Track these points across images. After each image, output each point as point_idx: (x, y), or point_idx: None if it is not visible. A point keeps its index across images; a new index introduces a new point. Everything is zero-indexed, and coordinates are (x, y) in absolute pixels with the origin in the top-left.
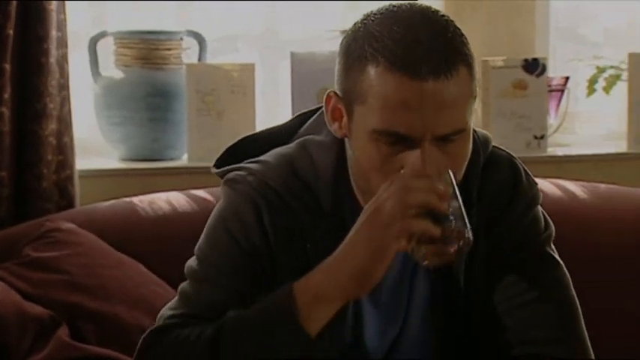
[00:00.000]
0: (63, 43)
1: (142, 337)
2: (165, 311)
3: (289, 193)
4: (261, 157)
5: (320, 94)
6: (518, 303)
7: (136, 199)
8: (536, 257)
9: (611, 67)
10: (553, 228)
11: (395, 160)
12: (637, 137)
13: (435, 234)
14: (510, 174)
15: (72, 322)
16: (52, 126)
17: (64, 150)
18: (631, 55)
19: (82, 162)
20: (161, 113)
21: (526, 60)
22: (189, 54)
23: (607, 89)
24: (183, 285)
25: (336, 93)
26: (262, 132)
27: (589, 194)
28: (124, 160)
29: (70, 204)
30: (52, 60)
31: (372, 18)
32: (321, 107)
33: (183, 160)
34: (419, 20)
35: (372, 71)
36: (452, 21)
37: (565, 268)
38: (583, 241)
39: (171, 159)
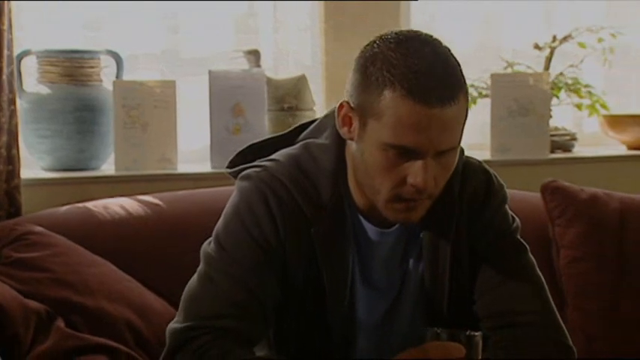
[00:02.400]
0: (11, 61)
1: (172, 333)
2: (191, 304)
3: (295, 185)
4: (272, 156)
5: (234, 108)
6: (498, 282)
7: (89, 205)
8: (510, 245)
9: (471, 85)
10: (518, 220)
11: (400, 168)
12: (498, 147)
13: None
14: (483, 177)
15: (63, 316)
16: (3, 138)
17: (13, 161)
18: (493, 75)
19: None
20: (87, 126)
21: None
22: (106, 71)
23: (469, 105)
24: (203, 271)
25: (348, 103)
26: (267, 139)
27: None
28: (47, 170)
29: (17, 211)
30: (4, 77)
31: (386, 46)
32: (316, 119)
33: (104, 170)
34: (428, 52)
35: (389, 95)
36: (451, 51)
37: (530, 253)
38: None
39: (93, 169)
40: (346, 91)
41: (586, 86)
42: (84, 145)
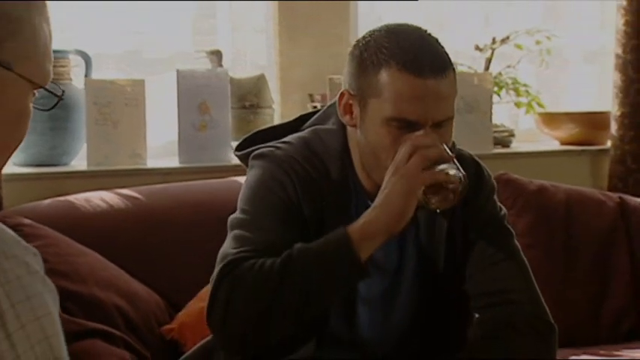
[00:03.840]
0: None
1: (218, 270)
2: (229, 250)
3: (307, 162)
4: (283, 139)
5: (200, 106)
6: (489, 263)
7: (71, 198)
8: (500, 230)
9: None
10: (505, 209)
11: (402, 141)
12: None
13: (452, 179)
14: (474, 168)
15: (59, 303)
16: None
17: None
18: None
19: None
20: (60, 123)
21: None
22: (74, 71)
23: None
24: (235, 232)
25: (348, 91)
26: (271, 127)
27: None
28: (20, 165)
29: None
30: None
31: (378, 35)
32: (319, 109)
33: (75, 165)
34: (417, 36)
35: (385, 73)
36: (438, 40)
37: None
38: None
39: (65, 164)
40: (344, 82)
41: (524, 85)
42: (57, 141)
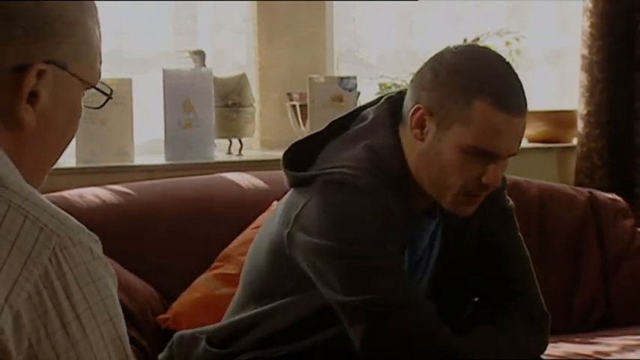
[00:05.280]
0: None
1: (362, 319)
2: (360, 292)
3: (375, 178)
4: (342, 162)
5: (185, 104)
6: (496, 254)
7: (65, 193)
8: (509, 222)
9: (393, 84)
10: (512, 201)
11: (474, 167)
12: None
13: None
14: None
15: None
16: None
17: None
18: None
19: None
20: None
21: (341, 78)
22: None
23: None
24: (343, 269)
25: (425, 108)
26: (307, 138)
27: None
28: None
29: None
30: None
31: (462, 59)
32: (353, 117)
33: (63, 162)
34: (501, 63)
35: (478, 104)
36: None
37: None
38: None
39: None
40: (417, 96)
41: None
42: None
